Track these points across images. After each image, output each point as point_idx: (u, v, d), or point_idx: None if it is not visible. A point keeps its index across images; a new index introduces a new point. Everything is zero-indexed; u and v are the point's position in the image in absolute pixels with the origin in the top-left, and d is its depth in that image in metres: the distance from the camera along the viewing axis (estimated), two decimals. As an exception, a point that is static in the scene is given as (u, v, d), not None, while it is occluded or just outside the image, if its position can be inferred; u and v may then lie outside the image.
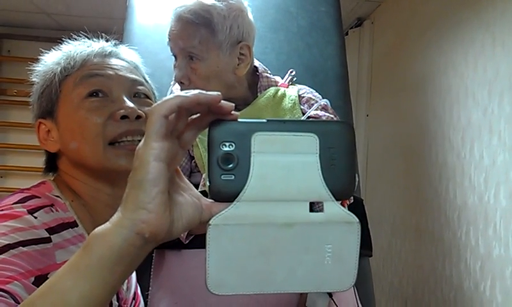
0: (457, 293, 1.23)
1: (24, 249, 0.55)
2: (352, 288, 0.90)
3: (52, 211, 0.62)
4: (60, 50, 0.72)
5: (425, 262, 1.44)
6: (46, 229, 0.59)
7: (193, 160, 0.96)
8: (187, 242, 0.88)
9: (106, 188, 0.68)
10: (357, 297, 0.90)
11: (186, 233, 0.88)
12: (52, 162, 0.72)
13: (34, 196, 0.62)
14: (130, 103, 0.67)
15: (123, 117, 0.65)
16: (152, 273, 0.93)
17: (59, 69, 0.68)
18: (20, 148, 2.45)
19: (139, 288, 0.87)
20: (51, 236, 0.59)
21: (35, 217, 0.58)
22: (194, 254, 0.88)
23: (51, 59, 0.70)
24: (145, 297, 0.90)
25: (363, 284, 1.03)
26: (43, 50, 0.71)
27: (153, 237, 0.37)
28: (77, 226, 0.64)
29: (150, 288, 0.91)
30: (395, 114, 1.79)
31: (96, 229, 0.38)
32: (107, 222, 0.38)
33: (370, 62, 2.03)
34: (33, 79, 0.70)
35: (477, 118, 1.18)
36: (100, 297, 0.37)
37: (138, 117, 0.66)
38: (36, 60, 0.71)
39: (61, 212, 0.63)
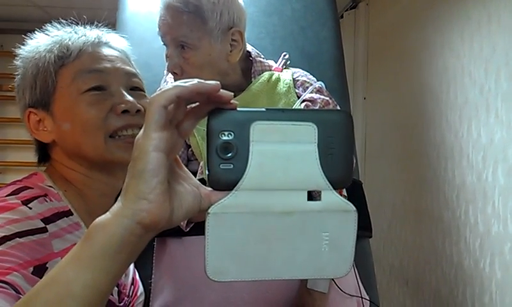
0: (457, 271, 1.24)
1: (21, 240, 0.55)
2: (353, 268, 0.91)
3: (46, 201, 0.62)
4: (48, 35, 0.70)
5: (425, 242, 1.45)
6: (41, 219, 0.59)
7: (190, 149, 0.96)
8: (188, 229, 0.89)
9: (102, 177, 0.69)
10: (358, 277, 0.91)
11: (186, 221, 0.88)
12: (43, 152, 0.72)
13: (27, 187, 0.63)
14: (129, 98, 0.68)
15: (124, 111, 0.66)
16: (154, 261, 0.93)
17: (52, 57, 0.68)
18: (18, 143, 2.45)
19: (137, 273, 0.87)
20: (47, 226, 0.59)
21: (30, 208, 0.59)
22: (195, 241, 0.88)
23: (40, 45, 0.69)
24: (148, 285, 0.91)
25: (363, 265, 1.04)
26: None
27: (154, 226, 0.38)
28: (72, 214, 0.65)
29: (153, 276, 0.92)
30: (392, 95, 1.78)
31: (97, 219, 0.38)
32: (108, 212, 0.39)
33: (366, 44, 2.01)
34: (18, 63, 0.69)
35: (473, 97, 1.18)
36: (103, 285, 0.38)
37: (138, 111, 0.68)
38: None
39: (54, 201, 0.64)
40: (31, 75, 0.68)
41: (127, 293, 0.78)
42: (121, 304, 0.75)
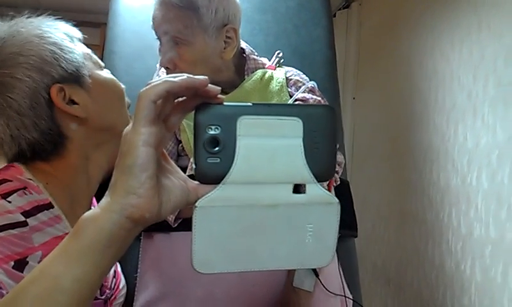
0: (438, 272, 1.27)
1: (1, 234, 0.55)
2: (338, 268, 0.92)
3: (26, 194, 0.61)
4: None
5: (409, 243, 1.47)
6: (21, 213, 0.58)
7: (180, 144, 0.95)
8: (176, 225, 0.89)
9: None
10: (342, 276, 0.92)
11: (174, 217, 0.88)
12: (55, 144, 0.68)
13: (6, 179, 0.62)
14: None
15: None
16: (140, 255, 0.93)
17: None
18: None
19: (119, 266, 0.87)
20: (27, 219, 0.59)
21: (9, 202, 0.58)
22: (183, 236, 0.88)
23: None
24: (133, 279, 0.90)
25: (348, 264, 1.05)
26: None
27: (143, 220, 0.38)
28: (52, 207, 0.64)
29: (139, 270, 0.91)
30: (381, 96, 1.80)
31: (85, 214, 0.39)
32: (96, 207, 0.39)
33: (357, 44, 2.02)
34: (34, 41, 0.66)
35: (461, 101, 1.20)
36: (92, 279, 0.38)
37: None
38: None
39: (34, 194, 0.63)
40: (58, 48, 0.67)
41: (109, 286, 0.78)
42: (103, 296, 0.75)
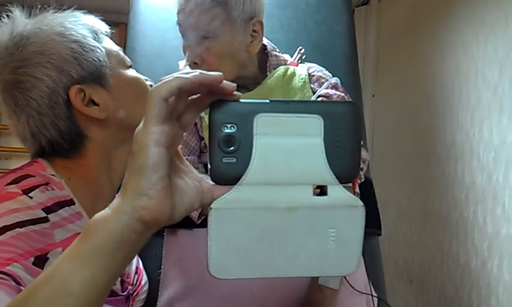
0: (464, 271, 1.24)
1: (22, 230, 0.54)
2: (364, 266, 0.90)
3: (48, 190, 0.61)
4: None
5: (432, 242, 1.45)
6: (42, 209, 0.58)
7: (203, 141, 0.95)
8: (200, 221, 0.88)
9: None
10: (367, 275, 0.91)
11: (198, 213, 0.88)
12: (74, 141, 0.68)
13: (28, 175, 0.61)
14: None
15: None
16: (163, 252, 0.93)
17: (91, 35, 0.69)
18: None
19: (141, 262, 0.87)
20: (48, 215, 0.58)
21: (30, 197, 0.57)
22: (207, 233, 0.88)
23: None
24: (157, 276, 0.91)
25: (372, 262, 1.04)
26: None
27: (154, 223, 0.37)
28: (73, 204, 0.64)
29: (162, 267, 0.91)
30: (402, 94, 1.77)
31: (96, 215, 0.38)
32: (107, 208, 0.37)
33: (376, 41, 2.00)
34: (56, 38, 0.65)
35: (486, 98, 1.17)
36: (102, 282, 0.37)
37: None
38: None
39: (56, 190, 0.62)
40: (79, 46, 0.66)
41: (131, 282, 0.78)
42: (125, 293, 0.74)
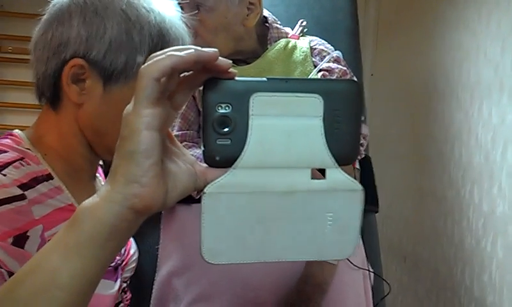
0: (457, 250, 1.26)
1: None
2: (361, 241, 0.91)
3: (23, 165, 0.57)
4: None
5: (427, 221, 1.46)
6: (18, 186, 0.55)
7: (202, 114, 0.94)
8: (198, 197, 0.88)
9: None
10: (365, 250, 0.91)
11: (196, 188, 0.87)
12: (54, 95, 0.63)
13: (1, 150, 0.58)
14: None
15: None
16: (161, 227, 0.93)
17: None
18: (18, 106, 2.38)
19: None
20: (24, 192, 0.55)
21: (4, 175, 0.54)
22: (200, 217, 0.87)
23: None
24: (155, 251, 0.90)
25: (369, 239, 1.04)
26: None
27: (147, 211, 0.35)
28: (52, 178, 0.60)
29: (160, 242, 0.91)
30: (401, 72, 1.76)
31: (83, 203, 0.36)
32: (95, 196, 0.35)
33: (376, 18, 1.97)
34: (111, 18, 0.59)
35: (487, 76, 1.16)
36: (92, 273, 0.36)
37: None
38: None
39: (33, 164, 0.59)
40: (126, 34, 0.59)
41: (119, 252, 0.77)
42: (113, 264, 0.72)
